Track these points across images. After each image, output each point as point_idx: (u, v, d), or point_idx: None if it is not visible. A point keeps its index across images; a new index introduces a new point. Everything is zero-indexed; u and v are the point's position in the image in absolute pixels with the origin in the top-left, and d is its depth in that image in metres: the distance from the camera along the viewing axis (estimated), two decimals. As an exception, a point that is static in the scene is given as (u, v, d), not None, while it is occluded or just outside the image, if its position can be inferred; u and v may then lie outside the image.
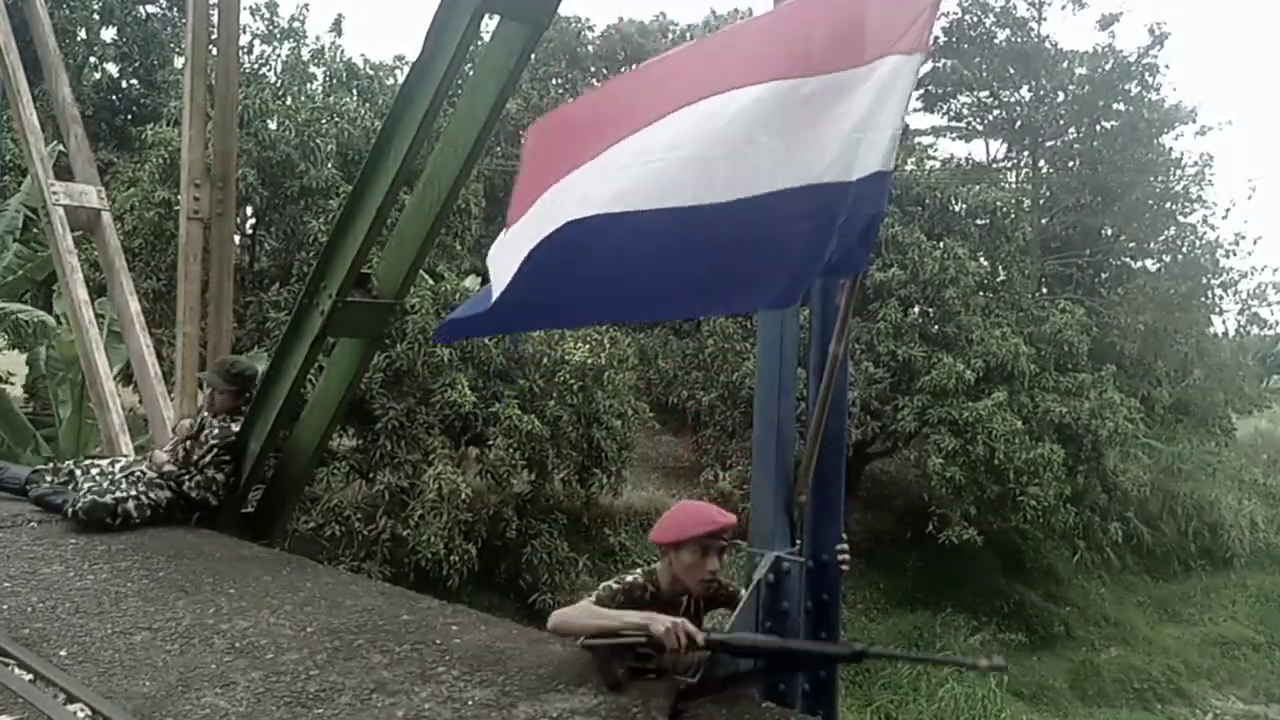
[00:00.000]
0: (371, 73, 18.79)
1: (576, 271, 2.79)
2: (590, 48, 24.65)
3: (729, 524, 3.43)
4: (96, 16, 21.68)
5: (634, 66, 25.37)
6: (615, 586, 3.55)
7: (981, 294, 18.76)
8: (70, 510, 5.32)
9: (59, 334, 11.21)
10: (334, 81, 18.03)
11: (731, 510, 3.57)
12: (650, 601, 3.45)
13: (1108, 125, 24.46)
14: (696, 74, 2.82)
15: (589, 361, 14.01)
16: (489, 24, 5.00)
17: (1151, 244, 24.79)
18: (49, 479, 5.86)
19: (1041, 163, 25.88)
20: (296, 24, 22.91)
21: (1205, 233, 24.58)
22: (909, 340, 17.81)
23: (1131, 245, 24.94)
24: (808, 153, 2.63)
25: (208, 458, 5.59)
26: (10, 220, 12.14)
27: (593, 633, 3.34)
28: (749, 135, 2.65)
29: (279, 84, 17.60)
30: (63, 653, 3.60)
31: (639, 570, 3.66)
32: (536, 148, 3.05)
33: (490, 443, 13.44)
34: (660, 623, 3.16)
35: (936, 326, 18.17)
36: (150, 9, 22.37)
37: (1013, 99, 25.81)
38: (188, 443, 5.70)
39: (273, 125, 14.43)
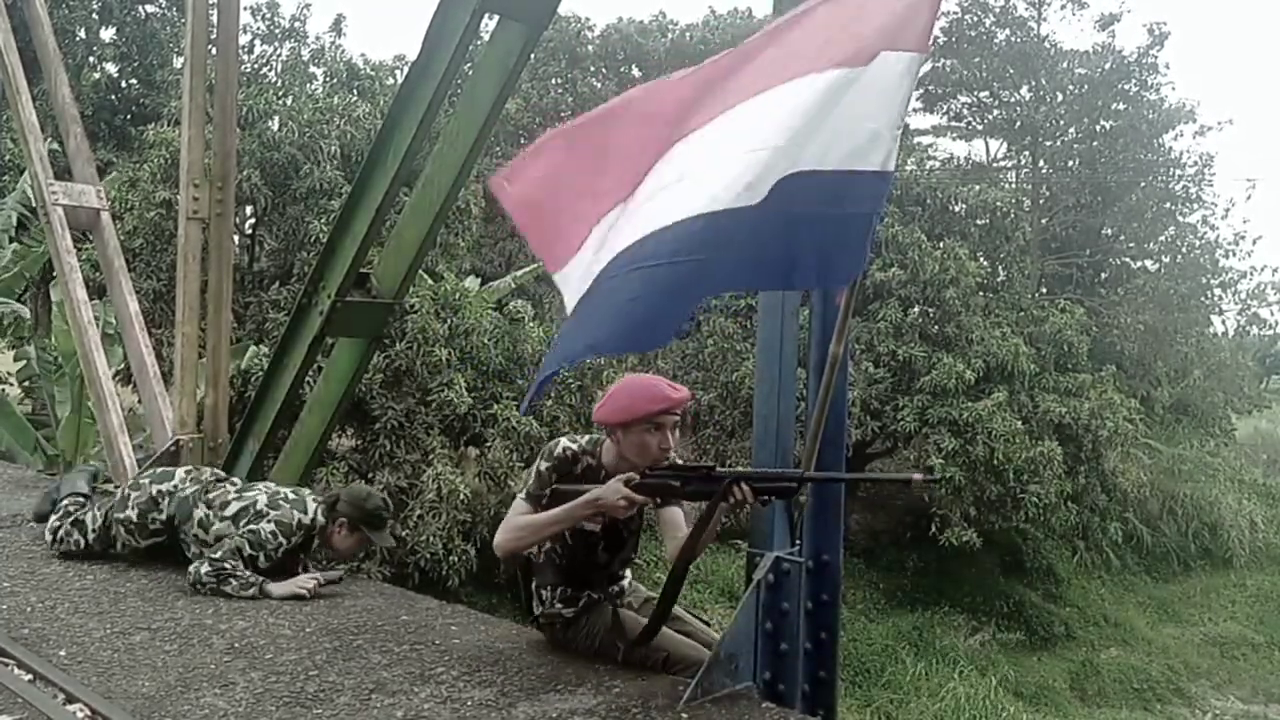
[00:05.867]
0: (372, 73, 18.76)
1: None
2: (590, 48, 24.64)
3: (683, 399, 3.23)
4: (96, 16, 21.65)
5: (633, 67, 25.48)
6: (545, 468, 3.33)
7: (981, 294, 18.75)
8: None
9: (55, 331, 11.16)
10: (335, 82, 18.01)
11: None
12: (585, 474, 3.29)
13: (1107, 125, 24.47)
14: (715, 91, 2.85)
15: (588, 360, 13.97)
16: (488, 24, 5.00)
17: (1151, 244, 24.85)
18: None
19: (1041, 163, 25.89)
20: (297, 24, 22.91)
21: (1205, 233, 24.68)
22: (909, 340, 17.81)
23: (1131, 245, 24.98)
24: (819, 138, 2.64)
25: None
26: (5, 218, 12.14)
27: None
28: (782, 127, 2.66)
29: (280, 84, 17.57)
30: (62, 653, 3.60)
31: (578, 438, 3.42)
32: (560, 165, 2.98)
33: (489, 443, 13.43)
34: (605, 497, 3.13)
35: (936, 326, 18.16)
36: (150, 9, 22.33)
37: (1012, 99, 25.83)
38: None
39: (275, 126, 14.41)
